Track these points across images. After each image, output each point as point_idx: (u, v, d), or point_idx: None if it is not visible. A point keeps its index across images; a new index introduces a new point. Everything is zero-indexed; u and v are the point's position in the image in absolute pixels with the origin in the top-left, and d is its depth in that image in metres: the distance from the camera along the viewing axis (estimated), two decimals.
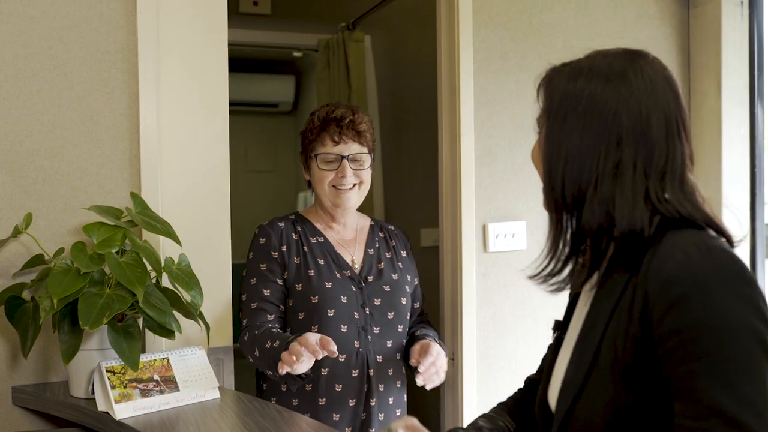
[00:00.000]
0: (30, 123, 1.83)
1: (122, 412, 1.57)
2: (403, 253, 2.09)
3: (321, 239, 2.00)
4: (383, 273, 2.00)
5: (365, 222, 2.11)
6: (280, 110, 5.47)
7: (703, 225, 1.03)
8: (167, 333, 1.70)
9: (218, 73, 2.03)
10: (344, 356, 1.87)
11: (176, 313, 1.74)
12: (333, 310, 1.89)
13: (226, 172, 2.03)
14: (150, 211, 1.80)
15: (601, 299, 1.07)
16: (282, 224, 1.99)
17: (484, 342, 2.40)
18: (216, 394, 1.72)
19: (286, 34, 3.82)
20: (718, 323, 0.90)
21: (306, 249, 1.96)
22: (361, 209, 2.11)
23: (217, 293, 1.98)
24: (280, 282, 1.92)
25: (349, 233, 2.05)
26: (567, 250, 1.10)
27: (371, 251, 2.04)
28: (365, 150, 1.97)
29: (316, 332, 1.76)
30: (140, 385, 1.63)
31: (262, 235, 1.97)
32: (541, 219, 2.45)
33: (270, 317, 1.89)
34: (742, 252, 2.52)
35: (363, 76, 3.39)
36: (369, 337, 1.92)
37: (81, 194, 1.88)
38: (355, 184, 1.95)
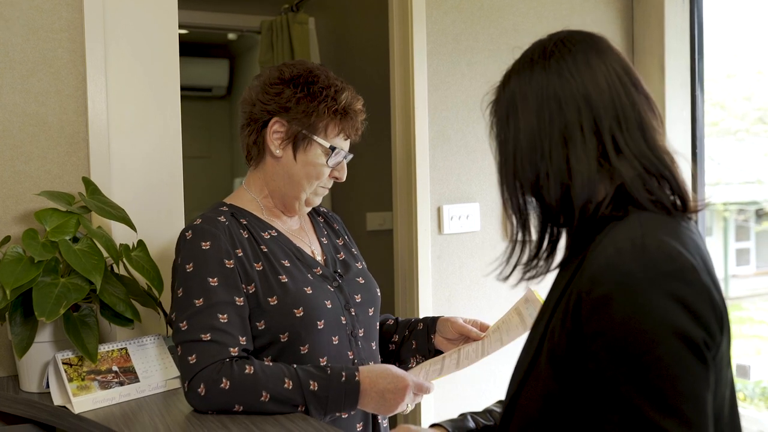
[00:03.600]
0: None
1: (81, 405, 1.51)
2: (347, 237, 1.77)
3: (274, 233, 1.57)
4: (348, 264, 1.67)
5: None
6: (213, 95, 5.36)
7: (658, 183, 0.98)
8: (125, 322, 1.64)
9: (168, 52, 1.97)
10: None
11: (133, 302, 1.68)
12: (322, 321, 1.50)
13: (179, 155, 1.97)
14: (103, 197, 1.73)
15: (555, 286, 1.05)
16: (223, 219, 1.50)
17: None
18: (177, 384, 1.67)
19: (227, 15, 3.73)
20: (641, 326, 0.85)
21: (265, 249, 1.52)
22: None
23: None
24: (240, 302, 1.44)
25: (294, 222, 1.66)
26: (535, 237, 1.06)
27: (324, 240, 1.68)
28: None
29: (306, 352, 1.48)
30: (99, 377, 1.57)
31: (203, 238, 1.45)
32: (494, 201, 2.47)
33: (232, 351, 1.40)
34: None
35: (308, 59, 3.34)
36: (359, 343, 1.58)
37: (26, 180, 1.78)
38: None
